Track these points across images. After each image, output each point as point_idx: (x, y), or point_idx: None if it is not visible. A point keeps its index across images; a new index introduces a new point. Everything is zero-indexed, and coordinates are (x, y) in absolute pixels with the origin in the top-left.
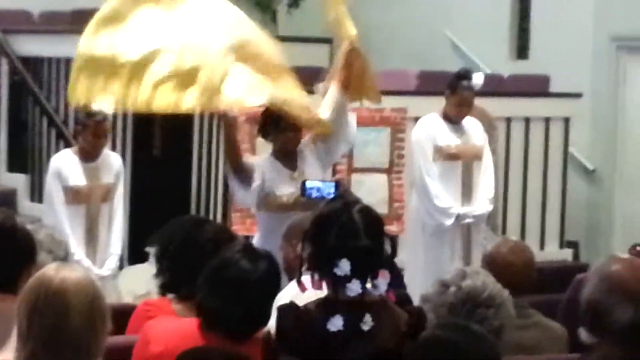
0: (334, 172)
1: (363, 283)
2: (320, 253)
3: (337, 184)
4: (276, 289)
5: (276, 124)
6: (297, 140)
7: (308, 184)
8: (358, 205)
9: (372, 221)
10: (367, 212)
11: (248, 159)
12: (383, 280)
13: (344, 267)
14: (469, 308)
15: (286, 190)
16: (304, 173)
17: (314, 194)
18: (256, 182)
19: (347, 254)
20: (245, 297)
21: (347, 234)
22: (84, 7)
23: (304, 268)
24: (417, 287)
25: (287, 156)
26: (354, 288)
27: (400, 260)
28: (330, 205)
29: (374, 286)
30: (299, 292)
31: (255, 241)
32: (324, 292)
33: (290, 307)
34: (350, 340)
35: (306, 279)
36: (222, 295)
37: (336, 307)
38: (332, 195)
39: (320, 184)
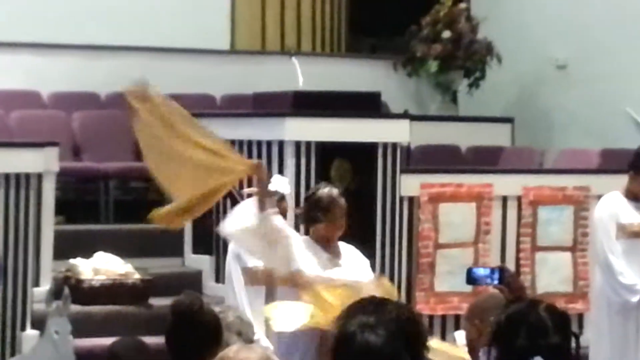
0: (518, 252)
1: None
2: (510, 354)
3: (502, 270)
4: (405, 354)
5: (326, 211)
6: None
7: (474, 272)
8: (543, 304)
9: (559, 318)
10: (553, 310)
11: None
12: None
13: None
14: None
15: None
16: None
17: (479, 280)
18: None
19: (540, 352)
20: None
21: (538, 333)
22: (264, 90)
23: (489, 350)
24: None
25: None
26: None
27: (585, 338)
28: (515, 306)
29: None
30: None
31: None
32: None
33: None
34: None
35: None
36: None
37: None
38: (497, 282)
39: (485, 271)
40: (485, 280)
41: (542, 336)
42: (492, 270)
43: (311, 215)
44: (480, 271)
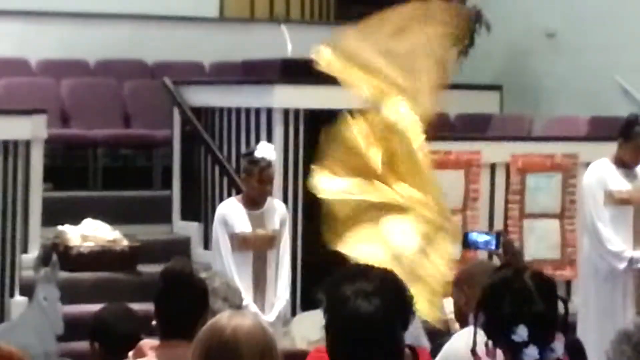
0: (506, 219)
1: (541, 348)
2: (495, 321)
3: (498, 235)
4: (395, 324)
5: None
6: None
7: (471, 236)
8: (529, 271)
9: (545, 285)
10: (539, 277)
11: None
12: (559, 343)
13: (521, 333)
14: None
15: None
16: None
17: (477, 245)
18: None
19: (524, 320)
20: (363, 337)
21: (522, 300)
22: (253, 57)
23: (472, 315)
24: (591, 331)
25: None
26: (531, 353)
27: (573, 305)
28: (501, 273)
29: (551, 350)
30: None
31: None
32: None
33: None
34: None
35: (480, 349)
36: (340, 339)
37: None
38: (493, 247)
39: (482, 235)
40: (482, 245)
41: (526, 304)
42: (489, 235)
43: None
44: (477, 236)
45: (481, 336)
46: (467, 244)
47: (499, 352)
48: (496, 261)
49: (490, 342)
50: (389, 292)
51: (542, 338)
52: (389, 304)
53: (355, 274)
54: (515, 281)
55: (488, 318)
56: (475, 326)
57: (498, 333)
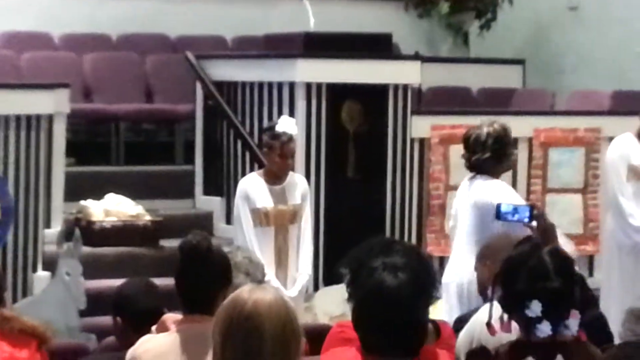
0: (529, 193)
1: (554, 324)
2: (510, 295)
3: (532, 208)
4: (419, 300)
5: None
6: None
7: (503, 208)
8: (547, 247)
9: (562, 262)
10: (557, 254)
11: None
12: (574, 320)
13: (534, 308)
14: None
15: None
16: None
17: (510, 217)
18: None
19: (538, 296)
20: (386, 310)
21: (537, 276)
22: (276, 31)
23: (493, 290)
24: (613, 306)
25: None
26: (544, 329)
27: (595, 280)
28: (519, 248)
29: (565, 326)
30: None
31: None
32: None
33: (481, 351)
34: None
35: (495, 321)
36: (363, 310)
37: (527, 350)
38: (527, 219)
39: (515, 207)
40: (514, 217)
41: (541, 280)
42: (521, 208)
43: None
44: (510, 207)
45: (498, 309)
46: (500, 215)
47: (514, 326)
48: (521, 234)
49: (505, 316)
50: (415, 267)
51: (556, 314)
52: (414, 279)
53: (382, 246)
54: (532, 257)
55: (504, 292)
56: (492, 300)
57: (513, 307)
